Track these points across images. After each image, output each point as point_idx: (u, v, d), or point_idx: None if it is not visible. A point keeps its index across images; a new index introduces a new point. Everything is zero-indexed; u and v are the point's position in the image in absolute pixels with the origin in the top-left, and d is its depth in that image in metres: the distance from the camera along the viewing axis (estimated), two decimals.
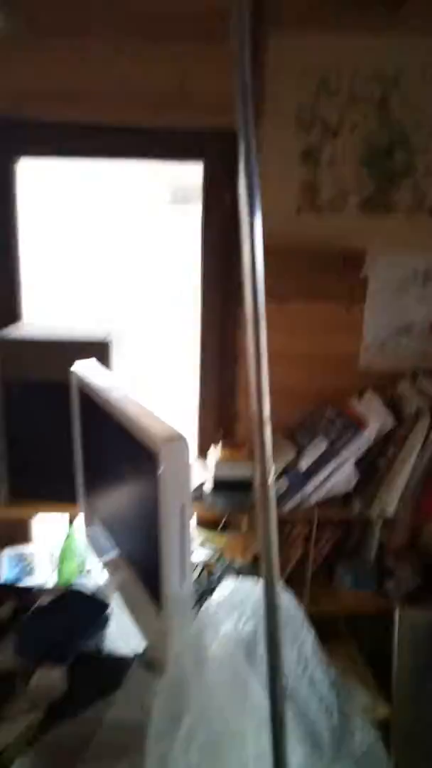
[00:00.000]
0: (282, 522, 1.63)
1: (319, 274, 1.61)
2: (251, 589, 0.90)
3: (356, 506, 1.53)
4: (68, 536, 1.33)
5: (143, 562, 0.95)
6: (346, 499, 1.55)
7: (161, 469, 0.81)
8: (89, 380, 1.13)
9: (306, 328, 1.66)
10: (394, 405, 1.57)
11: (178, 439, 0.84)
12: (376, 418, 1.51)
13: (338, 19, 1.43)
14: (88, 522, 1.29)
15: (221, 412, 1.74)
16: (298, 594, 1.64)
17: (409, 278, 1.63)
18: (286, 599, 0.95)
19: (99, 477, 1.19)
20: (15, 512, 1.50)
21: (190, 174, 1.61)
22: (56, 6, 1.39)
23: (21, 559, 1.44)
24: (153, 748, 0.70)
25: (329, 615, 1.67)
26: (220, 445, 1.62)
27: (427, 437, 1.48)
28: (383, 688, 1.57)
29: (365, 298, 1.64)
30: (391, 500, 1.50)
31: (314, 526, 1.58)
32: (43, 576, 1.37)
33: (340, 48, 1.46)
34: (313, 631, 0.94)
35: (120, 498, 1.05)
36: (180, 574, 0.81)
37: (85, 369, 1.20)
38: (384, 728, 1.53)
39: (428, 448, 1.49)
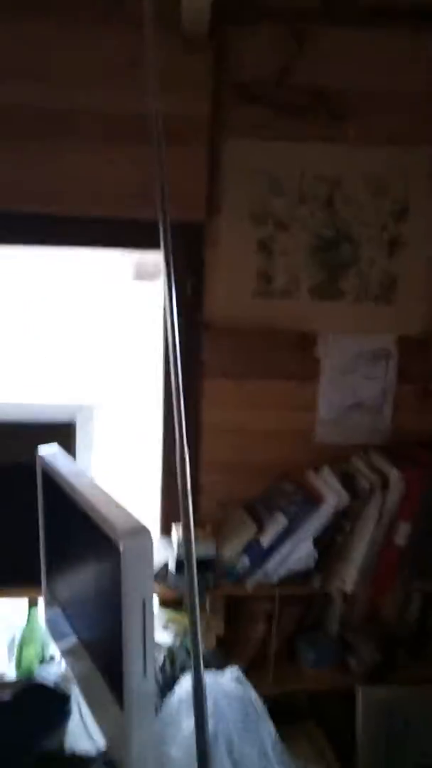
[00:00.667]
0: (244, 600, 1.64)
1: (275, 353, 1.70)
2: (212, 683, 0.91)
3: (316, 582, 1.56)
4: (29, 621, 1.31)
5: (104, 653, 0.95)
6: (306, 575, 1.58)
7: (122, 562, 0.83)
8: (53, 465, 1.15)
9: (263, 404, 1.72)
10: (348, 480, 1.63)
11: (140, 532, 0.87)
12: (332, 495, 1.56)
13: (287, 129, 1.58)
14: (49, 607, 1.28)
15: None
16: (262, 675, 1.64)
17: (358, 358, 1.73)
18: (245, 690, 0.96)
19: (61, 562, 1.19)
20: None
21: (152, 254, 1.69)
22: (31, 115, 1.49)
23: None
24: None
25: (292, 695, 1.66)
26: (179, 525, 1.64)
27: (380, 513, 1.54)
28: None
29: (318, 376, 1.73)
30: (349, 576, 1.54)
31: (276, 604, 1.59)
32: (2, 665, 1.33)
33: (288, 153, 1.60)
34: (271, 726, 0.95)
35: (82, 585, 1.05)
36: (142, 668, 0.81)
37: (49, 453, 1.22)
38: None
39: (382, 523, 1.55)
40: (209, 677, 0.91)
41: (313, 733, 1.64)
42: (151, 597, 0.83)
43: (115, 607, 0.85)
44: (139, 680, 0.80)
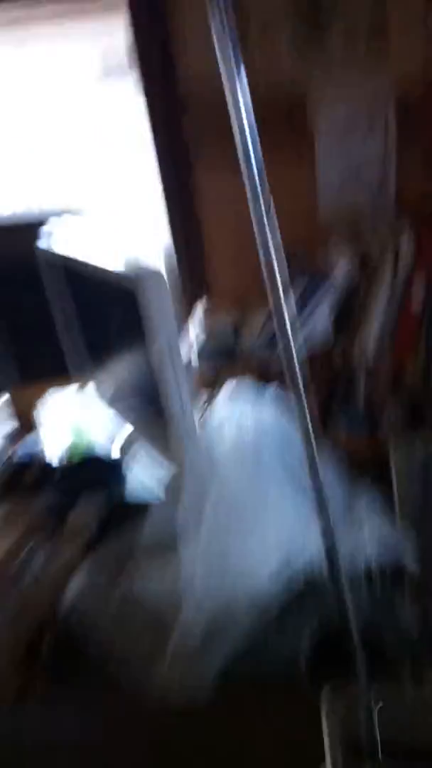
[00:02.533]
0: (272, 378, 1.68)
1: (262, 131, 1.59)
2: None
3: (337, 356, 1.58)
4: (74, 412, 1.36)
5: (146, 399, 0.99)
6: (325, 352, 1.60)
7: (141, 298, 0.83)
8: (59, 251, 1.12)
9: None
10: (358, 250, 1.59)
11: (154, 271, 0.86)
12: (341, 265, 1.54)
13: None
14: (90, 387, 1.31)
15: (194, 273, 1.73)
16: None
17: (354, 126, 1.62)
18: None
19: (90, 339, 1.21)
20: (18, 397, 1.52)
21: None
22: None
23: (33, 443, 1.47)
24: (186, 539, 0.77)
25: None
26: (201, 308, 1.63)
27: (395, 273, 1.52)
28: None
29: (313, 152, 1.63)
30: (369, 344, 1.55)
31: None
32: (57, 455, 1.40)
33: None
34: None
35: (113, 348, 1.07)
36: (178, 389, 0.84)
37: (46, 244, 1.19)
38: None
39: (397, 285, 1.53)
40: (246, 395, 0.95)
41: None
42: (175, 326, 0.84)
43: (144, 346, 0.86)
44: (178, 397, 0.84)
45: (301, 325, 1.54)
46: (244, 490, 0.81)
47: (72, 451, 1.31)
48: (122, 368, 1.05)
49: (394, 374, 1.78)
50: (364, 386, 1.74)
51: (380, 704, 0.30)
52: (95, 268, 0.97)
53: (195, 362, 1.51)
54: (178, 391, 0.83)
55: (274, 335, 1.56)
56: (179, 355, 0.85)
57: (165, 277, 0.85)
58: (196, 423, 0.88)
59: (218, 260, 1.71)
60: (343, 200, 1.64)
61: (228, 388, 0.98)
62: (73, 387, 1.43)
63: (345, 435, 1.71)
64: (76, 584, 0.88)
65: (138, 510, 0.98)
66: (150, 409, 0.98)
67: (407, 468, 1.69)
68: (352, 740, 0.29)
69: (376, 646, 0.74)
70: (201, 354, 1.52)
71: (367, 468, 1.80)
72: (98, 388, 1.22)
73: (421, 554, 1.67)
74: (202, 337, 1.49)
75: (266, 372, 1.58)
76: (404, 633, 0.82)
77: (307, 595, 0.87)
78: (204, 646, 0.79)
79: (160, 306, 0.83)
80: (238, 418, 0.91)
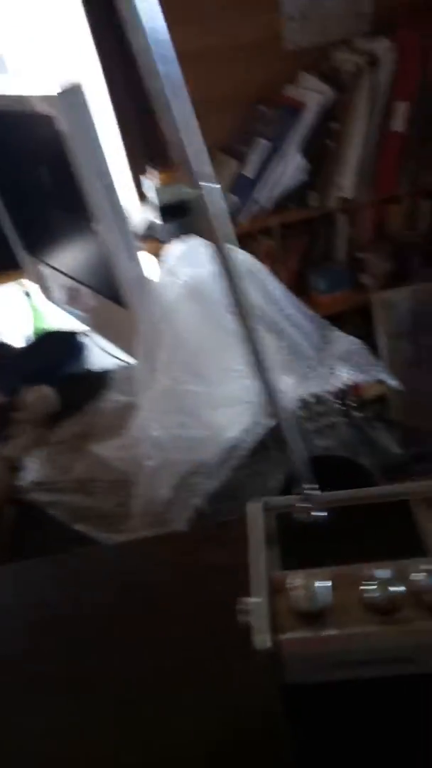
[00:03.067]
0: (242, 241, 1.57)
1: None
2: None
3: (313, 200, 1.45)
4: (28, 298, 1.28)
5: (95, 272, 0.89)
6: (301, 195, 1.46)
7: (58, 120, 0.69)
8: None
9: (217, 15, 1.41)
10: (332, 75, 1.39)
11: (71, 87, 0.71)
12: (313, 96, 1.35)
13: None
14: (37, 274, 1.22)
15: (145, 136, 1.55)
16: None
17: None
18: (249, 260, 0.89)
19: (27, 216, 1.08)
20: None
21: None
22: None
23: None
24: (140, 382, 0.70)
25: None
26: (153, 171, 1.47)
27: (372, 99, 1.34)
28: None
29: None
30: (347, 180, 1.41)
31: (277, 238, 1.51)
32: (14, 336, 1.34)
33: None
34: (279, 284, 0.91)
35: (47, 215, 0.95)
36: (117, 226, 0.74)
37: None
38: (382, 401, 1.63)
39: (376, 110, 1.36)
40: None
41: None
42: (102, 153, 0.71)
43: (76, 192, 0.74)
44: (126, 265, 0.74)
45: (277, 171, 1.39)
46: (200, 336, 0.74)
47: (30, 331, 1.24)
48: (59, 223, 0.93)
49: (377, 220, 1.65)
50: (347, 235, 1.62)
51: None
52: (9, 100, 0.82)
53: (157, 230, 1.38)
54: (118, 232, 0.73)
55: (239, 200, 1.43)
56: (113, 188, 0.73)
57: (85, 93, 0.71)
58: (144, 269, 0.79)
59: None
60: (311, 21, 1.41)
61: (183, 241, 0.88)
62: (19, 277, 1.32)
63: (325, 292, 1.63)
64: (37, 458, 0.84)
65: (98, 379, 0.92)
66: (96, 266, 0.88)
67: (389, 315, 1.62)
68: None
69: (350, 470, 0.70)
70: (164, 220, 1.38)
71: (350, 322, 1.74)
72: (43, 263, 1.12)
73: (406, 399, 1.65)
74: (164, 200, 1.35)
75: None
76: (383, 456, 0.78)
77: (277, 441, 0.83)
78: (172, 499, 0.75)
79: (81, 125, 0.70)
80: (193, 265, 0.82)
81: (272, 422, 0.85)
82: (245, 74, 1.47)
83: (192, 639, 0.38)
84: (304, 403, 0.90)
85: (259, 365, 0.29)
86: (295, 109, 1.36)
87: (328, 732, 0.28)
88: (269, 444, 0.88)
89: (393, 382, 0.82)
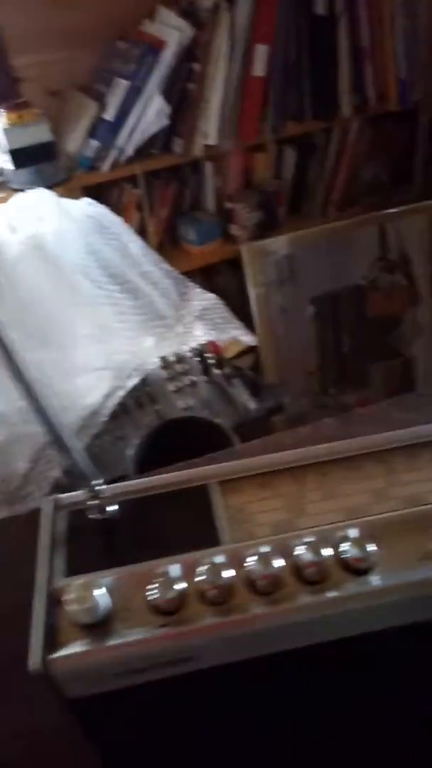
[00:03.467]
0: (106, 190, 1.49)
1: None
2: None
3: (177, 147, 1.39)
4: None
5: None
6: (166, 142, 1.40)
7: None
8: None
9: None
10: (190, 13, 1.32)
11: None
12: (172, 34, 1.28)
13: None
14: None
15: None
16: None
17: None
18: (104, 214, 0.84)
19: None
20: None
21: None
22: None
23: None
24: None
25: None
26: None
27: (232, 39, 1.29)
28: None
29: None
30: (210, 128, 1.37)
31: (143, 187, 1.44)
32: None
33: None
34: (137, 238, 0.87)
35: None
36: None
37: None
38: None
39: (236, 53, 1.31)
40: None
41: None
42: None
43: None
44: None
45: (138, 115, 1.31)
46: (47, 299, 0.69)
47: None
48: None
49: (245, 170, 1.63)
50: (214, 185, 1.59)
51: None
52: None
53: (10, 177, 1.26)
54: None
55: (100, 144, 1.34)
56: None
57: None
58: None
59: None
60: None
61: (28, 192, 0.80)
62: None
63: (196, 244, 1.60)
64: None
65: None
66: None
67: (257, 266, 1.64)
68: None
69: (207, 431, 0.70)
70: (17, 166, 1.26)
71: (223, 273, 1.74)
72: None
73: (278, 349, 1.69)
74: (15, 144, 1.22)
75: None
76: (241, 412, 0.80)
77: (144, 395, 0.82)
78: (28, 474, 0.72)
79: None
80: (39, 220, 0.75)
81: (133, 384, 0.84)
82: (106, 6, 1.35)
83: None
84: (166, 363, 0.89)
85: (25, 382, 0.26)
86: (154, 47, 1.28)
87: (134, 735, 0.27)
88: (130, 407, 0.87)
89: (247, 338, 0.83)
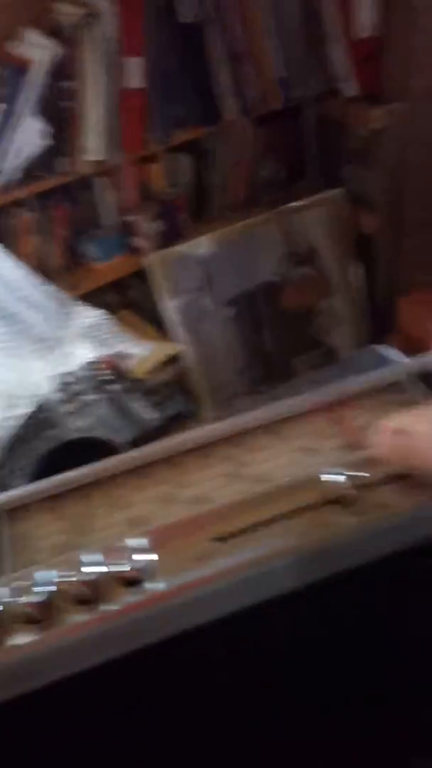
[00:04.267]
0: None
1: None
2: None
3: (60, 166, 1.37)
4: None
5: None
6: (49, 162, 1.38)
7: None
8: None
9: None
10: (55, 32, 1.31)
11: None
12: (38, 51, 1.26)
13: None
14: None
15: None
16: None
17: None
18: None
19: None
20: None
21: None
22: None
23: None
24: None
25: (92, 293, 1.63)
26: None
27: (101, 54, 1.29)
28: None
29: None
30: (93, 143, 1.36)
31: (36, 210, 1.42)
32: None
33: None
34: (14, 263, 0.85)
35: None
36: None
37: None
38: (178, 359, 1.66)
39: (110, 68, 1.31)
40: None
41: (127, 318, 1.69)
42: None
43: None
44: None
45: (14, 138, 1.29)
46: None
47: None
48: None
49: (138, 181, 1.62)
50: (113, 201, 1.58)
51: None
52: None
53: None
54: None
55: None
56: None
57: None
58: None
59: None
60: None
61: None
62: None
63: (100, 261, 1.58)
64: None
65: None
66: None
67: (168, 280, 1.63)
68: None
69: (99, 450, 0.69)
70: None
71: (132, 287, 1.72)
72: None
73: (199, 356, 1.69)
74: None
75: None
76: (140, 425, 0.78)
77: (40, 421, 0.79)
78: None
79: None
80: None
81: (25, 412, 0.81)
82: None
83: None
84: (59, 385, 0.86)
85: None
86: (20, 67, 1.26)
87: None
88: (28, 436, 0.84)
89: (138, 350, 0.82)
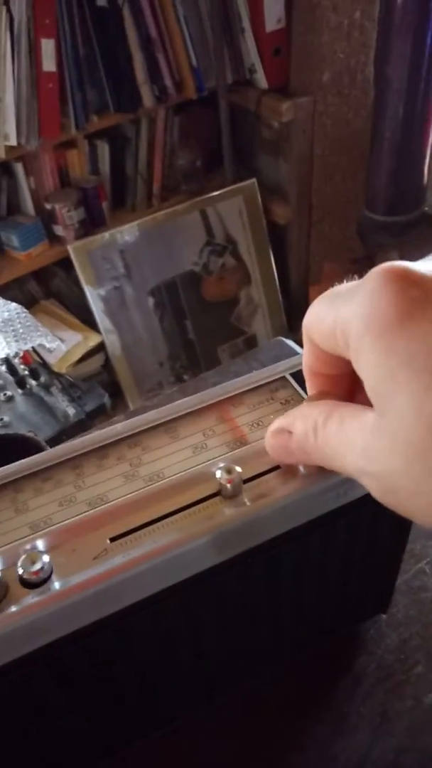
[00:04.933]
0: None
1: None
2: None
3: None
4: None
5: None
6: None
7: None
8: None
9: None
10: None
11: None
12: None
13: None
14: None
15: None
16: None
17: None
18: None
19: None
20: None
21: None
22: None
23: None
24: None
25: (13, 283, 1.59)
26: None
27: (12, 34, 1.24)
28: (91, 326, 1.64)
29: None
30: (8, 127, 1.32)
31: None
32: None
33: None
34: None
35: None
36: None
37: None
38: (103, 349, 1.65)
39: (22, 49, 1.27)
40: None
41: (49, 308, 1.66)
42: None
43: None
44: None
45: None
46: None
47: None
48: None
49: (57, 167, 1.59)
50: (29, 188, 1.53)
51: None
52: None
53: None
54: None
55: None
56: None
57: None
58: None
59: None
60: None
61: None
62: None
63: (21, 249, 1.54)
64: None
65: None
66: None
67: (88, 264, 1.61)
68: None
69: (21, 447, 0.69)
70: None
71: (55, 276, 1.69)
72: None
73: (125, 345, 1.69)
74: None
75: None
76: (62, 420, 0.79)
77: None
78: None
79: None
80: None
81: None
82: None
83: None
84: None
85: None
86: None
87: None
88: None
89: (52, 345, 0.82)
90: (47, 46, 1.28)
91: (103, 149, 1.58)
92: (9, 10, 1.22)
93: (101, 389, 0.86)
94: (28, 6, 1.23)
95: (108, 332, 1.65)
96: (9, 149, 1.36)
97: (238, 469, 0.27)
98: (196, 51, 1.45)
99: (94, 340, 1.62)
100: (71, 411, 0.80)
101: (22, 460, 0.29)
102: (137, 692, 0.34)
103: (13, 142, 1.33)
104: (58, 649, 0.26)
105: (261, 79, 1.49)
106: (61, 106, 1.38)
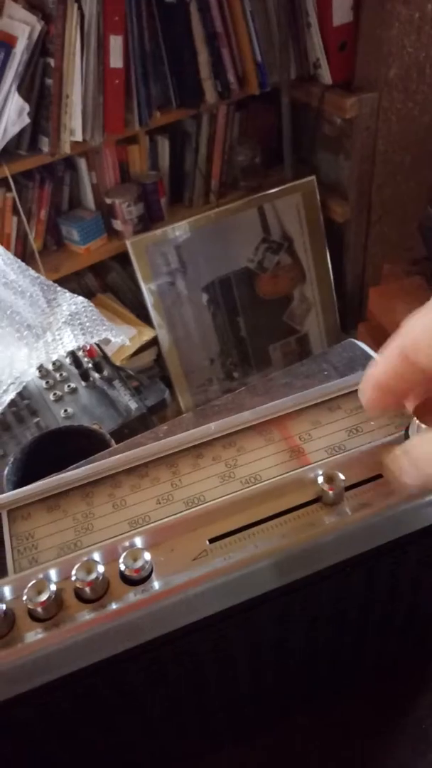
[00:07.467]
0: None
1: None
2: None
3: (44, 144, 1.35)
4: None
5: None
6: (32, 143, 1.36)
7: None
8: None
9: None
10: (38, 7, 1.28)
11: None
12: (21, 26, 1.23)
13: None
14: None
15: None
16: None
17: None
18: None
19: None
20: None
21: None
22: None
23: None
24: None
25: (72, 276, 1.62)
26: None
27: (83, 31, 1.26)
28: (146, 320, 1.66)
29: None
30: (74, 122, 1.34)
31: (13, 190, 1.39)
32: None
33: None
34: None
35: None
36: None
37: None
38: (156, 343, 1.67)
39: (91, 45, 1.28)
40: None
41: (105, 302, 1.68)
42: None
43: None
44: None
45: None
46: None
47: None
48: None
49: (118, 163, 1.61)
50: (90, 182, 1.56)
51: None
52: None
53: None
54: None
55: None
56: None
57: None
58: None
59: None
60: None
61: None
62: None
63: (81, 243, 1.57)
64: None
65: None
66: None
67: (146, 259, 1.63)
68: None
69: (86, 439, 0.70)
70: None
71: (113, 270, 1.72)
72: None
73: (177, 341, 1.70)
74: None
75: None
76: (124, 413, 0.79)
77: (24, 409, 0.80)
78: None
79: None
80: None
81: (9, 399, 0.81)
82: None
83: None
84: (43, 373, 0.87)
85: None
86: (5, 43, 1.23)
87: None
88: (10, 423, 0.84)
89: (116, 339, 0.82)
90: (115, 43, 1.30)
91: (164, 145, 1.59)
92: (80, 8, 1.24)
93: (162, 384, 0.86)
94: (98, 3, 1.25)
95: (161, 327, 1.66)
96: (74, 144, 1.38)
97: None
98: (261, 46, 1.44)
99: (147, 334, 1.64)
100: (133, 405, 0.81)
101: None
102: (225, 699, 0.33)
103: (78, 137, 1.35)
104: (153, 651, 0.26)
105: (325, 75, 1.47)
106: (125, 102, 1.39)
